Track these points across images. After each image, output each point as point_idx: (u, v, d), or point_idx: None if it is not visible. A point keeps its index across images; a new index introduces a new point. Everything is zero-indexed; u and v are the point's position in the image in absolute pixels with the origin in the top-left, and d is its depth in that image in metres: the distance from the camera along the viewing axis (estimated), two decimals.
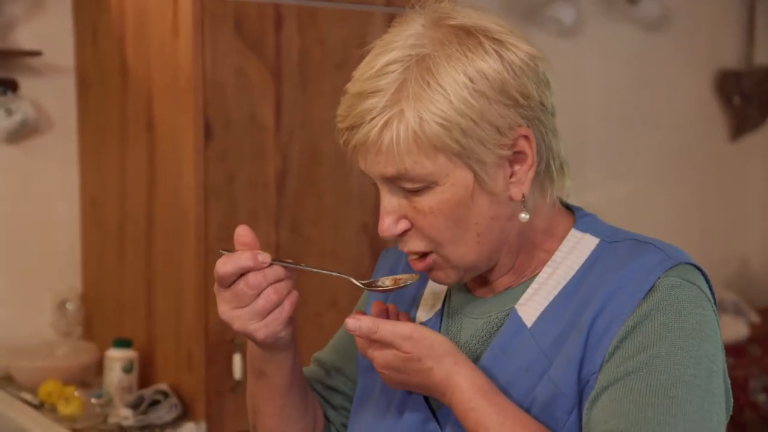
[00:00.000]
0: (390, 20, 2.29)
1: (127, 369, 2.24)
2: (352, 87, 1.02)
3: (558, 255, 1.08)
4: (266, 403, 1.18)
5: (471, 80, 0.98)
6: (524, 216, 1.04)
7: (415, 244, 1.05)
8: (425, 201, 1.01)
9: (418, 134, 0.98)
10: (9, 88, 2.41)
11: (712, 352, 0.99)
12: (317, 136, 2.22)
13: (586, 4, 3.28)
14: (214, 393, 2.14)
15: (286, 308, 1.04)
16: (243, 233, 1.05)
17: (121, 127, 2.34)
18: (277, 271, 1.04)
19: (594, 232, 1.09)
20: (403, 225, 1.04)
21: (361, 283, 1.09)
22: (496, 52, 0.99)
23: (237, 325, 1.04)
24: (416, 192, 1.01)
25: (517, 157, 1.02)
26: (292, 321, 1.08)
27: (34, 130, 2.47)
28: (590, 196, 3.17)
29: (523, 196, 1.03)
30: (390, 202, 1.03)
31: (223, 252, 1.04)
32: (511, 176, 1.02)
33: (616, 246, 1.06)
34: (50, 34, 2.48)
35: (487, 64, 0.99)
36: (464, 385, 1.00)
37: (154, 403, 2.13)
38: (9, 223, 2.48)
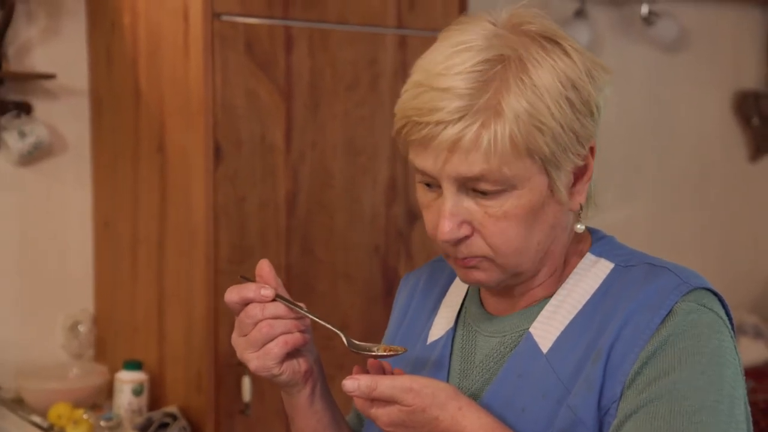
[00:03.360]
0: (401, 42, 2.30)
1: (137, 391, 2.23)
2: (434, 81, 0.98)
3: (572, 278, 1.07)
4: None
5: (563, 87, 0.98)
6: (580, 227, 1.05)
7: (474, 250, 1.03)
8: (500, 205, 1.00)
9: (515, 135, 0.97)
10: (23, 111, 2.43)
11: (732, 378, 0.97)
12: (328, 157, 2.21)
13: (601, 25, 3.26)
14: (224, 415, 2.13)
15: (278, 344, 1.05)
16: (262, 266, 1.08)
17: (134, 149, 2.35)
18: (278, 308, 1.06)
19: (609, 257, 1.08)
20: (465, 230, 1.02)
21: (351, 345, 1.08)
22: (581, 62, 1.01)
23: (237, 352, 1.08)
24: (491, 195, 1.00)
25: (581, 168, 1.03)
26: (296, 364, 1.09)
27: (47, 153, 2.48)
28: (609, 217, 3.13)
29: (580, 207, 1.04)
30: (456, 204, 1.01)
31: (243, 278, 1.08)
32: (572, 186, 1.03)
33: (631, 270, 1.05)
34: (64, 57, 2.50)
35: (575, 73, 1.00)
36: (471, 429, 0.99)
37: (163, 426, 2.12)
38: (22, 244, 2.49)
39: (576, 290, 1.06)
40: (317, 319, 1.08)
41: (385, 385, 0.99)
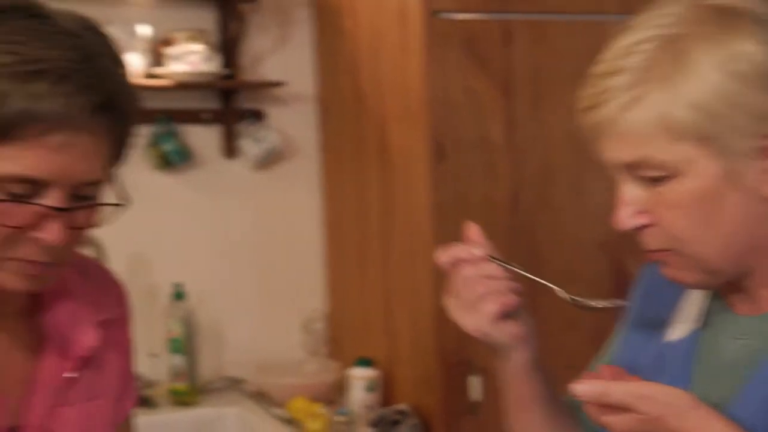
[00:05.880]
0: None
1: (370, 388, 2.28)
2: (597, 68, 0.97)
3: None
4: (515, 417, 1.16)
5: (728, 62, 0.90)
6: None
7: (654, 242, 0.97)
8: (669, 192, 0.94)
9: (663, 117, 0.91)
10: (256, 118, 2.54)
11: None
12: (551, 152, 2.16)
13: None
14: (452, 415, 2.13)
15: (492, 304, 1.05)
16: (470, 228, 1.08)
17: (358, 151, 2.40)
18: (492, 268, 1.05)
19: None
20: (642, 219, 0.97)
21: (570, 298, 1.06)
22: (764, 33, 0.92)
23: (450, 314, 1.08)
24: (659, 181, 0.94)
25: None
26: (512, 326, 1.07)
27: (280, 157, 2.59)
28: None
29: None
30: (629, 192, 0.97)
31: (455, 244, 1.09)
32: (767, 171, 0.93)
33: None
34: (293, 64, 2.59)
35: (750, 46, 0.91)
36: None
37: (395, 423, 2.16)
38: (260, 247, 2.60)
39: None
40: (533, 277, 1.06)
41: (617, 390, 0.93)
